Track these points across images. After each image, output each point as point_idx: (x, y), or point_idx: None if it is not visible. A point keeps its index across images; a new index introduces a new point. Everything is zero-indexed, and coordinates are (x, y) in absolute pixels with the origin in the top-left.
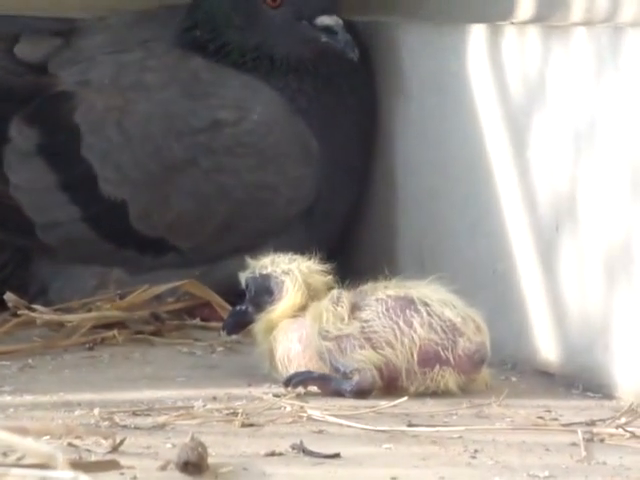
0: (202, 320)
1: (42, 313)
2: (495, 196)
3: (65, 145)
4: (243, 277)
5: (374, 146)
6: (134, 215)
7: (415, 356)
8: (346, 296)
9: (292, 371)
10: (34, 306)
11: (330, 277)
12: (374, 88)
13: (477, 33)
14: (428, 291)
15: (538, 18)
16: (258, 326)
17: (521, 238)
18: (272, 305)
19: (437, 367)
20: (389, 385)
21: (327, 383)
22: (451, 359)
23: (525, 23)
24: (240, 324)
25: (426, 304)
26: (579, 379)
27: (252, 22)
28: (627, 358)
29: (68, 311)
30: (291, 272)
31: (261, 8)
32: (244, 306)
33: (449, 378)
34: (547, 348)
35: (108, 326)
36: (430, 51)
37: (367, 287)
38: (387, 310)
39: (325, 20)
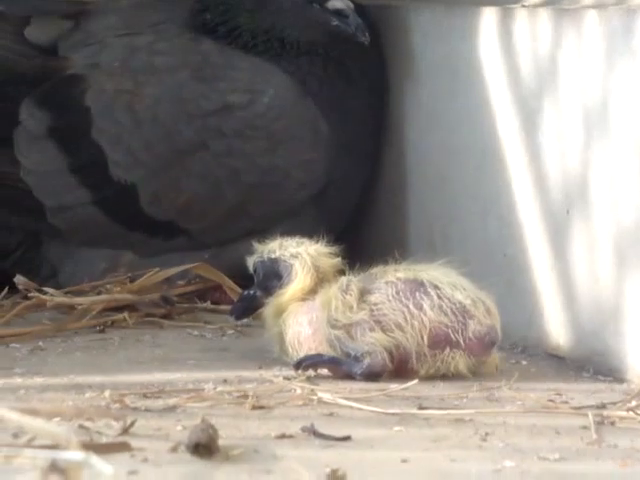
0: (213, 303)
1: (53, 296)
2: (506, 180)
3: (76, 128)
4: (251, 261)
5: (385, 130)
6: (144, 198)
7: (425, 339)
8: (355, 283)
9: (302, 354)
10: (44, 289)
11: (339, 260)
12: (385, 72)
13: (488, 16)
14: (438, 274)
15: (549, 1)
16: (267, 310)
17: (532, 222)
18: (281, 289)
19: (447, 350)
20: (399, 368)
21: (338, 366)
22: (461, 341)
23: (536, 6)
24: (249, 309)
25: (436, 287)
26: (590, 362)
27: (263, 5)
28: (638, 341)
29: (78, 294)
30: (300, 255)
31: None
32: (252, 291)
33: (459, 360)
34: (558, 331)
35: (118, 309)
36: (441, 34)
37: (377, 270)
38: (397, 293)
39: (336, 3)
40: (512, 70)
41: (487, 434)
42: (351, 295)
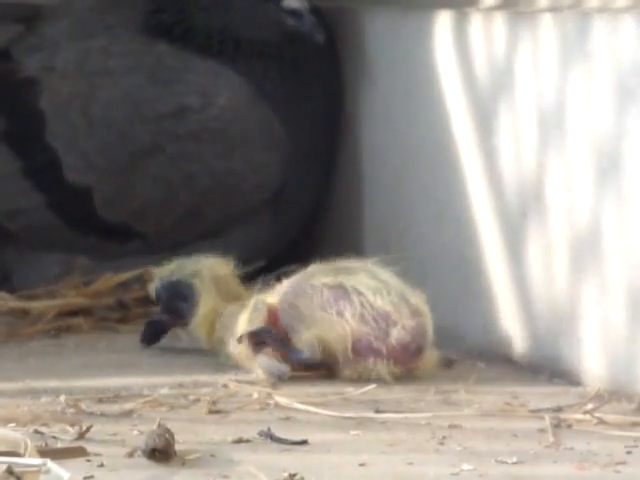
0: None
1: (6, 300)
2: (462, 182)
3: (29, 131)
4: (152, 287)
5: (340, 132)
6: (99, 202)
7: (349, 346)
8: (262, 303)
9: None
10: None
11: (236, 268)
12: (340, 73)
13: (443, 19)
14: (365, 277)
15: (504, 4)
16: (197, 323)
17: (488, 225)
18: (190, 308)
19: (371, 358)
20: (329, 369)
21: (282, 347)
22: (383, 350)
23: (491, 9)
24: (156, 334)
25: (360, 293)
26: (546, 366)
27: (218, 4)
28: (593, 345)
29: (32, 298)
30: (198, 272)
31: None
32: (158, 317)
33: (382, 369)
34: (514, 335)
35: (73, 313)
36: (396, 37)
37: (311, 270)
38: (321, 301)
39: (291, 3)
40: (467, 73)
41: (444, 437)
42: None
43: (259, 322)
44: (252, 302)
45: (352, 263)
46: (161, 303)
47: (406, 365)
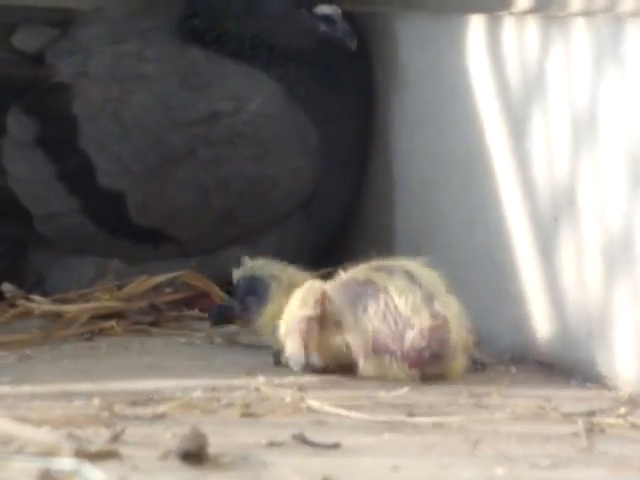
0: (201, 311)
1: (40, 303)
2: (493, 187)
3: (63, 136)
4: (235, 274)
5: (372, 137)
6: (132, 206)
7: (370, 343)
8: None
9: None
10: (32, 296)
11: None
12: (372, 79)
13: (475, 23)
14: (398, 277)
15: (537, 8)
16: (262, 322)
17: (520, 230)
18: (258, 307)
19: (387, 357)
20: (351, 366)
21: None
22: (398, 352)
23: (524, 13)
24: (225, 317)
25: (386, 292)
26: (578, 369)
27: (251, 10)
28: (626, 349)
29: (66, 301)
30: (278, 278)
31: None
32: (232, 302)
33: (399, 370)
34: (546, 339)
35: (106, 316)
36: (427, 42)
37: (357, 267)
38: (353, 297)
39: (324, 9)
40: (500, 77)
41: (477, 441)
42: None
43: (311, 303)
44: (306, 284)
45: (397, 262)
46: (238, 291)
47: (423, 369)
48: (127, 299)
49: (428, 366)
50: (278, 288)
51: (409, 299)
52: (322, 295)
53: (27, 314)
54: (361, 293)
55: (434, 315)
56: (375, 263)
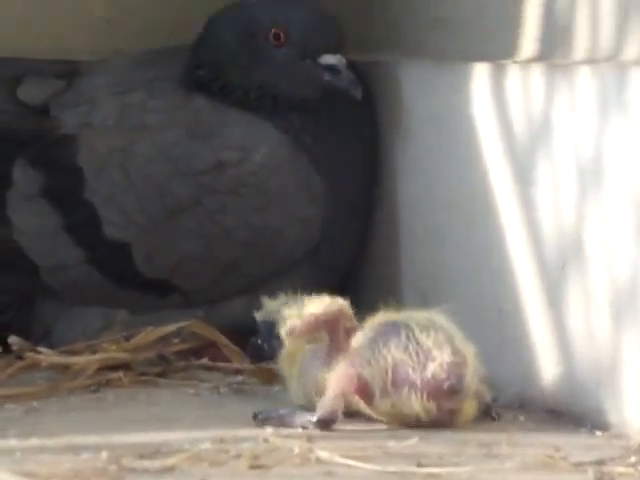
0: (210, 360)
1: (47, 355)
2: (499, 234)
3: (68, 188)
4: (257, 316)
5: (377, 184)
6: (138, 257)
7: (390, 375)
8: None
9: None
10: (39, 348)
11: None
12: (376, 126)
13: (479, 71)
14: (419, 315)
15: (541, 56)
16: (281, 362)
17: (527, 277)
18: (279, 349)
19: (406, 388)
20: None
21: (292, 417)
22: (418, 382)
23: (528, 61)
24: (259, 356)
25: (407, 326)
26: (587, 417)
27: (255, 61)
28: (635, 396)
29: (73, 353)
30: (286, 320)
31: (264, 47)
32: (259, 341)
33: (416, 402)
34: (555, 386)
35: (113, 367)
36: (431, 89)
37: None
38: (374, 335)
39: (329, 59)
40: (504, 125)
41: None
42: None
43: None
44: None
45: (412, 313)
46: (261, 335)
47: (439, 402)
48: (134, 350)
49: (445, 399)
50: (285, 333)
51: (431, 334)
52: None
53: (34, 366)
54: (381, 331)
55: (455, 351)
56: (391, 314)
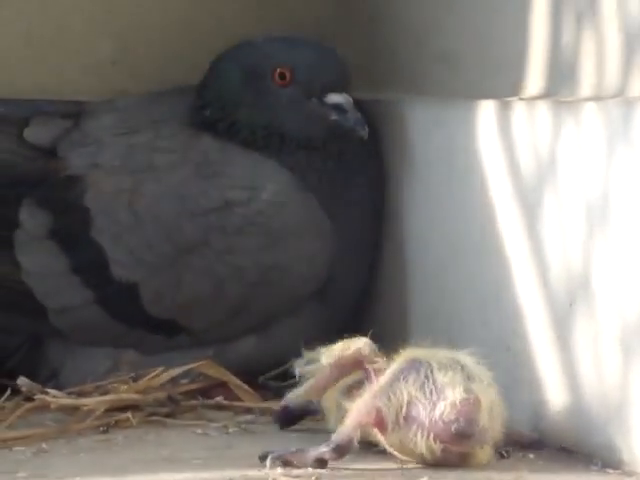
0: (225, 399)
1: (57, 397)
2: (507, 271)
3: (76, 229)
4: (297, 367)
5: (383, 222)
6: (146, 297)
7: (404, 410)
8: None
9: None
10: (48, 390)
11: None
12: (383, 164)
13: (485, 109)
14: (442, 354)
15: (547, 93)
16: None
17: (535, 314)
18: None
19: (415, 426)
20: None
21: (305, 454)
22: (427, 421)
23: (534, 99)
24: (291, 420)
25: (428, 365)
26: (598, 455)
27: (261, 100)
28: None
29: (81, 394)
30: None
31: (270, 87)
32: (292, 402)
33: (422, 441)
34: (564, 424)
35: (122, 408)
36: (437, 126)
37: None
38: (398, 370)
39: (335, 98)
40: (511, 162)
41: None
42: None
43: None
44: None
45: (444, 351)
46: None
47: (447, 444)
48: (144, 391)
49: (452, 442)
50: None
51: (448, 373)
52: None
53: (43, 408)
54: (405, 367)
55: (467, 391)
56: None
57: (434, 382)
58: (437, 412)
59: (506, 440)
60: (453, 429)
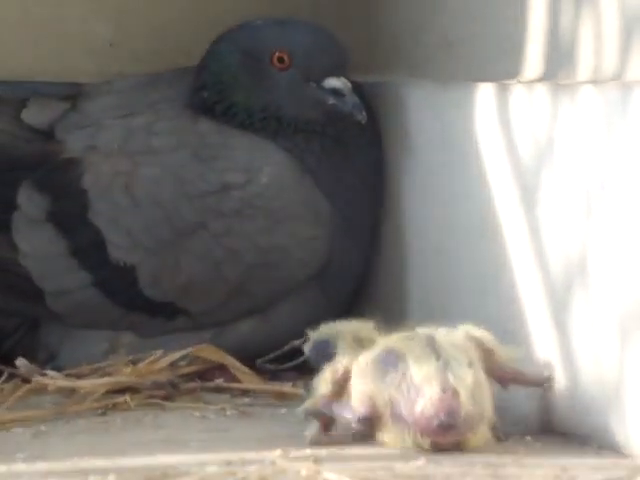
0: (224, 382)
1: (55, 379)
2: (505, 254)
3: (74, 211)
4: (306, 350)
5: (382, 205)
6: (144, 280)
7: (388, 410)
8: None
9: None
10: (47, 372)
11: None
12: (381, 147)
13: (484, 92)
14: (418, 344)
15: (545, 76)
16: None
17: (532, 297)
18: None
19: (400, 424)
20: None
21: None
22: (409, 419)
23: (532, 81)
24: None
25: (404, 360)
26: (594, 438)
27: (259, 83)
28: None
29: (79, 376)
30: (342, 335)
31: (269, 70)
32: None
33: (409, 438)
34: (561, 407)
35: (119, 391)
36: (436, 110)
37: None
38: (377, 363)
39: (333, 82)
40: (509, 145)
41: None
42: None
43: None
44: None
45: (436, 330)
46: (311, 356)
47: (434, 439)
48: (144, 375)
49: (438, 436)
50: (343, 345)
51: (423, 368)
52: (343, 374)
53: (41, 390)
54: (386, 362)
55: (443, 385)
56: (413, 331)
57: (411, 379)
58: (417, 409)
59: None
60: (435, 424)
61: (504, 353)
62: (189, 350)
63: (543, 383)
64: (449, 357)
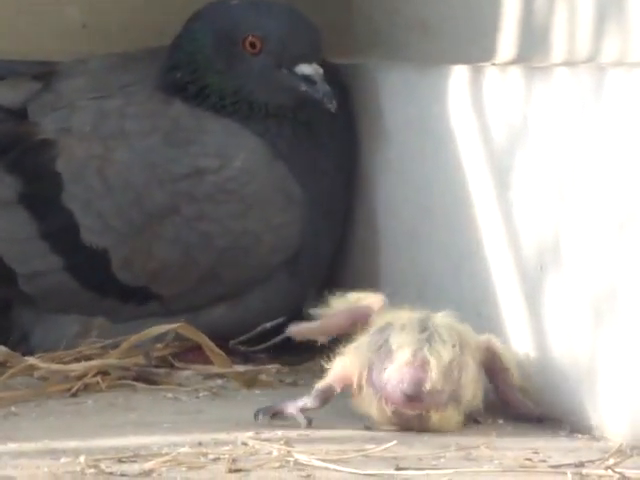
0: (194, 362)
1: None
2: (478, 237)
3: (46, 194)
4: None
5: (355, 189)
6: (116, 264)
7: (365, 374)
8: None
9: None
10: (27, 358)
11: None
12: (355, 130)
13: (458, 74)
14: (406, 313)
15: (520, 59)
16: None
17: (505, 279)
18: None
19: (370, 389)
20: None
21: (290, 403)
22: (376, 382)
23: (507, 64)
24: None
25: (390, 325)
26: (566, 420)
27: (232, 67)
28: (614, 399)
29: (53, 360)
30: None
31: (241, 54)
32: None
33: (374, 404)
34: (533, 390)
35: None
36: (411, 93)
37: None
38: (373, 332)
39: (305, 69)
40: (483, 127)
41: None
42: None
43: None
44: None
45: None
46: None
47: (397, 407)
48: (126, 354)
49: (400, 404)
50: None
51: (402, 335)
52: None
53: (25, 372)
54: (378, 330)
55: (415, 355)
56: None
57: (389, 344)
58: (385, 375)
59: (513, 412)
60: (399, 391)
61: (515, 371)
62: (168, 327)
63: (531, 418)
64: (435, 333)
